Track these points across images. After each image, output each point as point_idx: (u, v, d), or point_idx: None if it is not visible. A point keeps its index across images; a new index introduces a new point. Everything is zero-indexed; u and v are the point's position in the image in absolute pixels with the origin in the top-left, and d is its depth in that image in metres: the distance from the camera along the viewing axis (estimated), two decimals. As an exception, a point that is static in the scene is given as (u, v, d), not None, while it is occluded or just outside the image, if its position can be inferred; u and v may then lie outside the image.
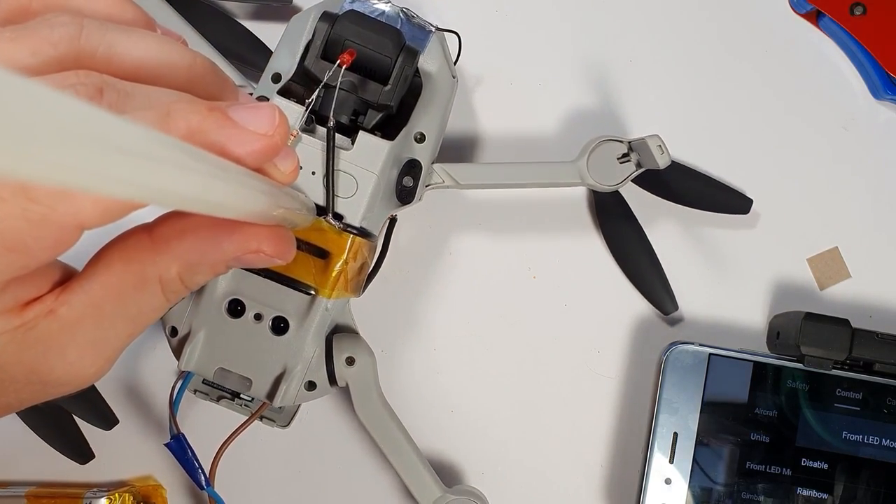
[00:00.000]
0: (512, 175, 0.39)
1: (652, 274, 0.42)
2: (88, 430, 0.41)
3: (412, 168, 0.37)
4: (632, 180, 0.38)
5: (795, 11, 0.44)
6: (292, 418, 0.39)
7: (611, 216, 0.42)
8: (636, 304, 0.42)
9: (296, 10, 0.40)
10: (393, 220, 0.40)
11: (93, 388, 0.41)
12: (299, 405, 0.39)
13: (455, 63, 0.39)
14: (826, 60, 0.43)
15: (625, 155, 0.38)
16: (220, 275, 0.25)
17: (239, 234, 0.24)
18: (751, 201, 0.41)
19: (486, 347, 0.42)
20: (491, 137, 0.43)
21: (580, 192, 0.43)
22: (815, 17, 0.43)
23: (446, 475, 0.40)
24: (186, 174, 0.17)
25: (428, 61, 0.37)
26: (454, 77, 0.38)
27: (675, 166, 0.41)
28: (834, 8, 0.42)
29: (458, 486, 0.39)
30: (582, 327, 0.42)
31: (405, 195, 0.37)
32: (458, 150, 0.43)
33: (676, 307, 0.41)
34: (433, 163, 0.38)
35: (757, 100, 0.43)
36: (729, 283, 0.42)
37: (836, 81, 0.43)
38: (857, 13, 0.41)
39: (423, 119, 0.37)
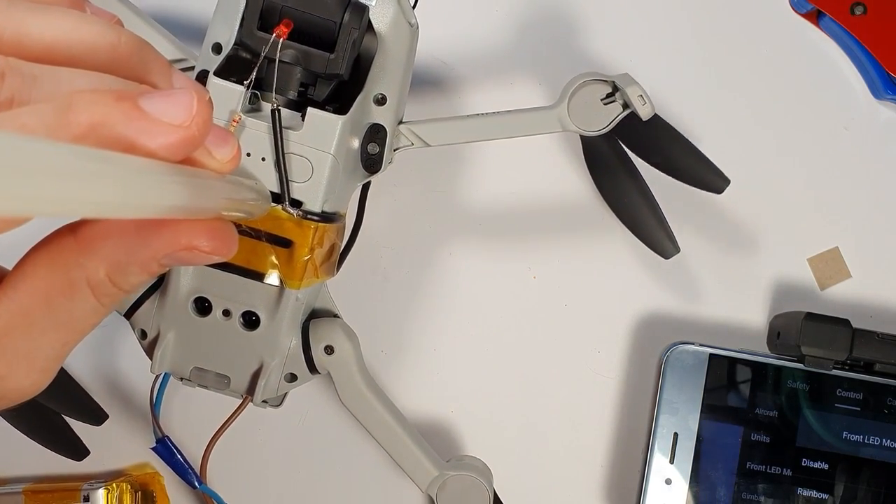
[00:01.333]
0: (485, 128, 0.35)
1: (648, 217, 0.39)
2: (82, 424, 0.41)
3: (376, 133, 0.34)
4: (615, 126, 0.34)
5: (796, 11, 0.44)
6: (283, 398, 0.38)
7: (601, 161, 0.39)
8: (636, 304, 0.42)
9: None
10: (366, 185, 0.37)
11: (77, 386, 0.41)
12: None
13: (414, 7, 0.34)
14: (826, 60, 0.43)
15: (609, 95, 0.34)
16: (156, 275, 0.23)
17: (168, 230, 0.22)
18: (728, 181, 0.38)
19: (486, 348, 0.42)
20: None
21: (580, 191, 0.43)
22: (815, 16, 0.43)
23: (445, 449, 0.40)
24: (87, 180, 0.15)
25: (380, 12, 0.33)
26: (412, 24, 0.33)
27: (662, 125, 0.38)
28: (834, 8, 0.41)
29: (456, 459, 0.38)
30: (582, 327, 0.42)
31: (372, 163, 0.34)
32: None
33: (678, 249, 0.38)
34: (400, 123, 0.35)
35: (757, 99, 0.43)
36: (729, 283, 0.42)
37: (837, 81, 0.43)
38: (858, 13, 0.41)
39: (382, 79, 0.33)
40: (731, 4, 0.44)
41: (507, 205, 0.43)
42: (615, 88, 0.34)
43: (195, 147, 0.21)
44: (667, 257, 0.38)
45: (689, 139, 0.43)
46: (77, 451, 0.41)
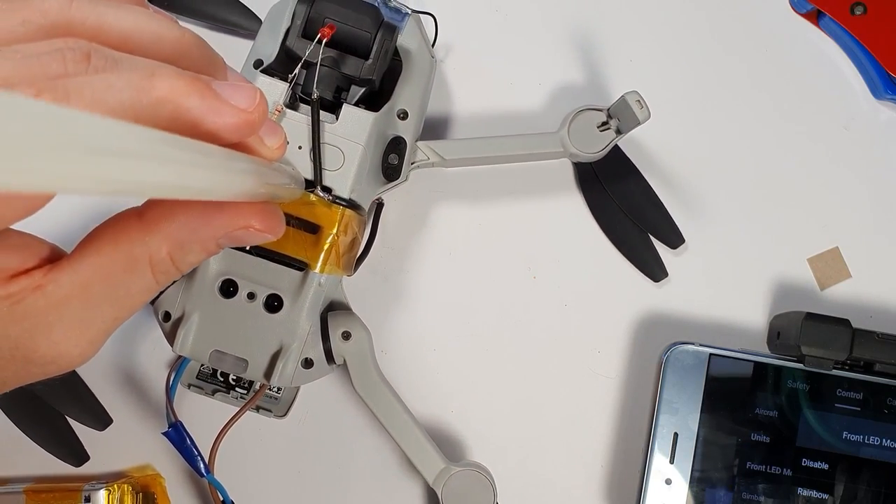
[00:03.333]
0: (496, 148, 0.39)
1: (638, 242, 0.42)
2: (81, 429, 0.41)
3: (397, 145, 0.37)
4: (595, 169, 0.38)
5: (796, 11, 0.44)
6: (289, 408, 0.39)
7: (593, 188, 0.42)
8: (636, 304, 0.42)
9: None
10: (380, 205, 0.40)
11: (85, 388, 0.41)
12: (296, 394, 0.39)
13: (433, 45, 0.39)
14: (826, 60, 0.43)
15: (604, 123, 0.39)
16: (212, 255, 0.25)
17: (228, 211, 0.24)
18: (682, 241, 0.41)
19: (486, 348, 0.42)
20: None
21: (580, 192, 0.43)
22: (815, 16, 0.43)
23: (446, 448, 0.40)
24: (163, 165, 0.17)
25: (406, 41, 0.38)
26: (433, 57, 0.39)
27: (639, 179, 0.42)
28: (834, 7, 0.42)
29: (462, 461, 0.39)
30: (582, 327, 0.42)
31: (391, 172, 0.37)
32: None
33: (665, 274, 0.41)
34: (417, 141, 0.38)
35: (757, 99, 0.43)
36: (729, 283, 0.42)
37: (837, 81, 0.43)
38: (858, 13, 0.41)
39: (405, 96, 0.38)
40: (732, 4, 0.44)
41: (507, 204, 0.43)
42: (609, 116, 0.38)
43: (253, 131, 0.23)
44: (656, 281, 0.42)
45: (688, 138, 0.43)
46: (77, 455, 0.41)
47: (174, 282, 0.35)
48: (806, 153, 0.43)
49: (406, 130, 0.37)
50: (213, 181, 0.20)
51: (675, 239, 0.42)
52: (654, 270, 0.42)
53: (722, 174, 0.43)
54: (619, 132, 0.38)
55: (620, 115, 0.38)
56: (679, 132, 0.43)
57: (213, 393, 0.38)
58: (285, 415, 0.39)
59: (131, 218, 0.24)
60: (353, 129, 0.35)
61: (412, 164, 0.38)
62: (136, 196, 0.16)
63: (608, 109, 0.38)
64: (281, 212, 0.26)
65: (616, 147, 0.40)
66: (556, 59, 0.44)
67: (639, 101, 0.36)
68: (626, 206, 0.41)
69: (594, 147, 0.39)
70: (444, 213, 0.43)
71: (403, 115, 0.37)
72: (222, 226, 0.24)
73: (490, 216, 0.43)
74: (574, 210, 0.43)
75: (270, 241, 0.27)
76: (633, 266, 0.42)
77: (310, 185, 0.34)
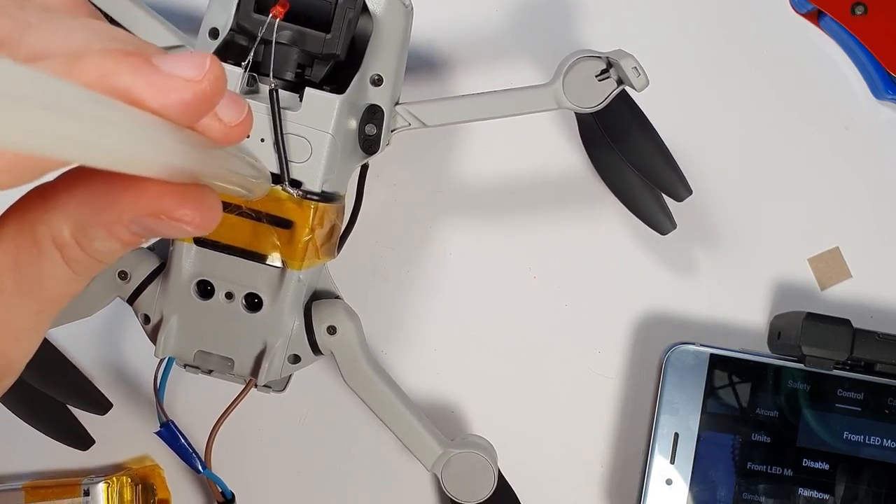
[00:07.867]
0: (482, 107, 0.35)
1: (644, 193, 0.39)
2: (81, 416, 0.41)
3: (373, 115, 0.34)
4: (597, 118, 0.35)
5: (796, 11, 0.44)
6: (287, 383, 0.38)
7: (596, 139, 0.39)
8: (636, 304, 0.42)
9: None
10: (365, 167, 0.37)
11: (80, 375, 0.41)
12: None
13: None
14: (827, 60, 0.43)
15: (604, 71, 0.35)
16: (130, 245, 0.21)
17: (137, 191, 0.19)
18: (689, 192, 0.38)
19: (486, 348, 0.42)
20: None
21: (581, 190, 0.43)
22: (815, 16, 0.43)
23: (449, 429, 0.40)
24: (79, 121, 0.14)
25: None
26: (406, 5, 0.34)
27: (646, 124, 0.38)
28: (835, 7, 0.41)
29: (461, 438, 0.38)
30: (582, 327, 0.42)
31: (370, 144, 0.34)
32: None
33: (674, 224, 0.39)
34: (396, 104, 0.35)
35: (757, 99, 0.43)
36: (729, 283, 0.42)
37: (837, 81, 0.43)
38: (858, 13, 0.41)
39: (378, 60, 0.34)
40: (732, 4, 0.44)
41: (507, 205, 0.43)
42: (609, 65, 0.34)
43: (209, 106, 0.19)
44: (664, 233, 0.39)
45: (689, 140, 0.43)
46: (82, 440, 0.41)
47: (148, 280, 0.33)
48: (806, 153, 0.43)
49: (382, 97, 0.34)
50: (134, 144, 0.16)
51: (681, 190, 0.38)
52: (661, 222, 0.39)
53: (722, 174, 0.43)
54: (620, 82, 0.35)
55: (620, 74, 0.34)
56: (679, 134, 0.43)
57: (210, 372, 0.37)
58: (283, 389, 0.38)
59: (35, 196, 0.20)
60: (318, 116, 0.32)
61: (392, 130, 0.35)
62: (55, 155, 0.14)
63: (607, 56, 0.34)
64: (217, 200, 0.21)
65: (623, 92, 0.36)
66: (556, 50, 0.43)
67: (636, 68, 0.33)
68: (630, 159, 0.38)
69: (593, 99, 0.35)
70: (444, 212, 0.42)
71: (378, 81, 0.34)
72: (127, 209, 0.19)
73: (490, 216, 0.43)
74: (575, 210, 0.42)
75: (239, 239, 0.24)
76: (637, 258, 0.41)
77: (277, 179, 0.31)
